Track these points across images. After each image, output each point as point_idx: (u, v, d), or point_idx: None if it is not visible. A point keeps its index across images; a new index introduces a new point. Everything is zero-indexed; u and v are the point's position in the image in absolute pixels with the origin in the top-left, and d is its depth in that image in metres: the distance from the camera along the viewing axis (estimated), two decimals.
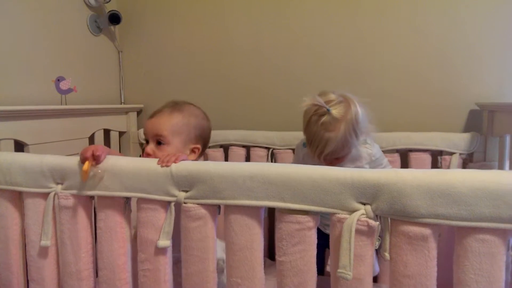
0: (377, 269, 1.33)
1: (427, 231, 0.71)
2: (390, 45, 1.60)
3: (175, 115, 1.13)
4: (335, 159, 1.19)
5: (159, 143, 1.10)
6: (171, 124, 1.11)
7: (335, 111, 1.12)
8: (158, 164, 0.90)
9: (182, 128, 1.12)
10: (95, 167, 0.91)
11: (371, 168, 1.09)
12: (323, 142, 1.13)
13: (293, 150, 1.63)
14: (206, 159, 1.70)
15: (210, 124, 1.22)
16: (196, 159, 1.15)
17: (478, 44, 1.51)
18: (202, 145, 1.17)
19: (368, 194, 0.75)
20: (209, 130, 1.21)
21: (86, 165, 0.89)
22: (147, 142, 1.13)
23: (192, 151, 1.14)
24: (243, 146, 1.72)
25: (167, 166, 0.88)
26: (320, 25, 1.68)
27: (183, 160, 0.91)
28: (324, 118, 1.13)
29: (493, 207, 0.67)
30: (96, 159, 0.91)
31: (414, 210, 0.71)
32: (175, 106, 1.16)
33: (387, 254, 0.76)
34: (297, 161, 1.40)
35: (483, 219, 0.68)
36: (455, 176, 0.69)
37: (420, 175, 0.71)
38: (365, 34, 1.62)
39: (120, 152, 1.85)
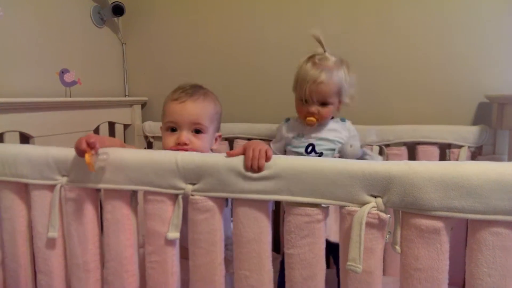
0: None
1: (439, 224, 0.70)
2: (397, 37, 1.58)
3: (208, 102, 1.08)
4: (321, 105, 1.21)
5: (197, 131, 1.05)
6: (208, 112, 1.07)
7: (332, 57, 1.22)
8: (247, 163, 0.81)
9: (215, 116, 1.10)
10: (97, 155, 0.90)
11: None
12: (318, 77, 1.17)
13: None
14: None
15: None
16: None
17: (487, 36, 1.49)
18: (219, 131, 1.17)
19: (379, 186, 0.73)
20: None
21: (87, 156, 0.87)
22: (173, 129, 1.06)
23: (215, 139, 1.13)
24: (248, 139, 1.70)
25: (259, 168, 0.80)
26: (324, 17, 1.65)
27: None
28: (321, 57, 1.21)
29: (508, 200, 0.66)
30: (92, 147, 0.88)
31: (426, 203, 0.70)
32: (206, 92, 1.11)
33: (398, 247, 0.75)
34: (278, 139, 1.40)
35: (498, 212, 0.67)
36: (469, 168, 0.68)
37: (432, 167, 0.70)
38: (372, 27, 1.60)
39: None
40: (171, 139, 1.05)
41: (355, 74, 1.26)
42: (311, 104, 1.21)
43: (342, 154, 1.22)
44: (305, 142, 1.27)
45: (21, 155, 0.99)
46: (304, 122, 1.25)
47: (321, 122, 1.25)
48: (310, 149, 1.25)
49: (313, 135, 1.27)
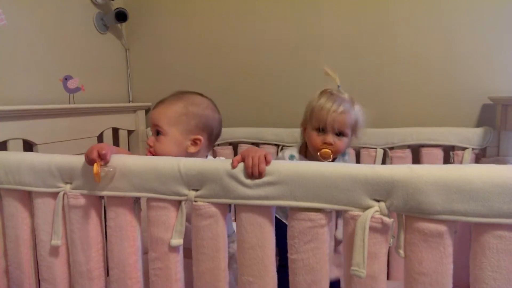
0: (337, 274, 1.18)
1: (443, 228, 0.70)
2: (400, 39, 1.58)
3: (174, 104, 1.09)
4: (337, 136, 1.20)
5: (158, 133, 1.07)
6: (168, 114, 1.07)
7: (345, 93, 1.23)
8: (248, 172, 0.81)
9: (180, 118, 1.07)
10: (105, 166, 0.90)
11: None
12: (340, 106, 1.17)
13: None
14: (215, 156, 1.68)
15: (218, 116, 1.15)
16: (198, 151, 1.09)
17: (491, 37, 1.48)
18: (206, 136, 1.10)
19: (382, 190, 0.73)
20: (216, 121, 1.13)
21: (96, 167, 0.88)
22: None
23: (194, 142, 1.08)
24: (252, 143, 1.71)
25: (260, 174, 0.80)
26: (329, 19, 1.66)
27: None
28: (336, 90, 1.22)
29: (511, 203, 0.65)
30: (103, 158, 0.89)
31: (429, 206, 0.69)
32: (177, 95, 1.12)
33: (401, 252, 0.74)
34: None
35: (501, 215, 0.66)
36: (472, 172, 0.68)
37: (435, 171, 0.70)
38: (376, 29, 1.60)
39: (128, 151, 1.85)
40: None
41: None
42: (328, 134, 1.19)
43: None
44: None
45: (25, 163, 1.00)
46: (318, 155, 1.20)
47: (334, 156, 1.23)
48: None
49: None
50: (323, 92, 1.23)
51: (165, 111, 1.08)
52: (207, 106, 1.13)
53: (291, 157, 1.30)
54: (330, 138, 1.19)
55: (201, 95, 1.16)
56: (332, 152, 1.19)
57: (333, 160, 1.24)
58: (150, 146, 1.08)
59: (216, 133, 1.15)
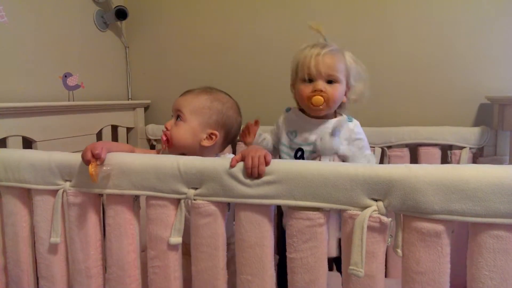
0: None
1: (440, 227, 0.70)
2: (398, 39, 1.58)
3: (200, 96, 1.11)
4: (328, 83, 1.09)
5: (177, 119, 1.09)
6: (192, 103, 1.09)
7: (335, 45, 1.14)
8: (248, 172, 0.82)
9: (203, 110, 1.09)
10: (101, 166, 0.90)
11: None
12: (322, 50, 1.09)
13: None
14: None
15: (239, 118, 1.16)
16: (211, 147, 1.09)
17: (488, 38, 1.49)
18: (223, 134, 1.11)
19: (380, 190, 0.74)
20: (236, 123, 1.14)
21: (91, 167, 0.88)
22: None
23: (209, 136, 1.09)
24: None
25: (259, 175, 0.81)
26: (328, 19, 1.66)
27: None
28: (322, 42, 1.14)
29: (508, 203, 0.66)
30: (97, 158, 0.89)
31: (427, 206, 0.70)
32: (206, 89, 1.15)
33: (399, 251, 0.75)
34: (274, 131, 1.30)
35: (498, 215, 0.67)
36: (469, 172, 0.68)
37: (433, 171, 0.70)
38: (374, 28, 1.60)
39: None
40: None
41: (365, 67, 1.18)
42: (317, 81, 1.08)
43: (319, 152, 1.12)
44: (295, 145, 1.16)
45: (24, 160, 1.00)
46: (309, 107, 1.10)
47: (329, 106, 1.10)
48: (299, 155, 1.15)
49: (307, 135, 1.15)
50: (306, 46, 1.14)
51: (191, 100, 1.10)
52: (231, 107, 1.15)
53: (287, 110, 1.24)
54: (320, 84, 1.08)
55: (229, 95, 1.18)
56: (324, 99, 1.07)
57: (335, 116, 1.16)
58: (167, 129, 1.08)
59: (234, 134, 1.16)
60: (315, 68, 1.08)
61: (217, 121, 1.10)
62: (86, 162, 0.90)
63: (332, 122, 1.14)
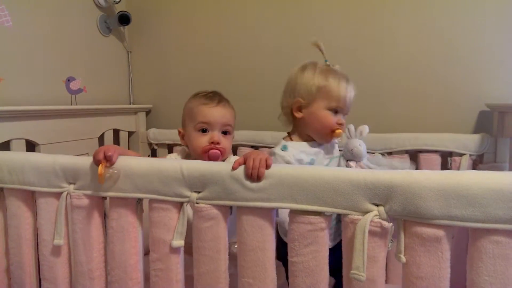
0: None
1: (440, 232, 0.71)
2: (399, 45, 1.60)
3: (231, 107, 1.18)
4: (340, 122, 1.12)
5: (224, 132, 1.13)
6: (233, 115, 1.18)
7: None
8: (247, 172, 0.83)
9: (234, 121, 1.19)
10: (110, 168, 0.91)
11: None
12: (349, 85, 1.12)
13: None
14: None
15: None
16: None
17: (488, 45, 1.50)
18: None
19: (381, 195, 0.75)
20: None
21: (100, 168, 0.89)
22: (204, 130, 1.12)
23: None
24: (252, 147, 1.72)
25: (259, 177, 0.82)
26: (327, 24, 1.67)
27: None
28: (333, 65, 1.16)
29: (508, 209, 0.67)
30: (108, 160, 0.91)
31: (427, 211, 0.70)
32: (225, 99, 1.20)
33: (402, 256, 0.75)
34: None
35: (498, 221, 0.67)
36: (469, 178, 0.69)
37: (433, 177, 0.71)
38: (374, 34, 1.62)
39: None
40: (203, 139, 1.12)
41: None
42: (340, 114, 1.14)
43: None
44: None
45: (28, 163, 1.01)
46: (329, 136, 1.13)
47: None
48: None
49: (328, 156, 1.18)
50: (326, 70, 1.14)
51: (232, 112, 1.18)
52: None
53: (285, 148, 1.14)
54: (342, 118, 1.14)
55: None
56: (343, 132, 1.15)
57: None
58: (218, 143, 1.11)
59: None
60: (347, 105, 1.13)
61: None
62: (97, 162, 0.91)
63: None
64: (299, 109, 1.15)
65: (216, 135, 1.11)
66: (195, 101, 1.17)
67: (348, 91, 1.12)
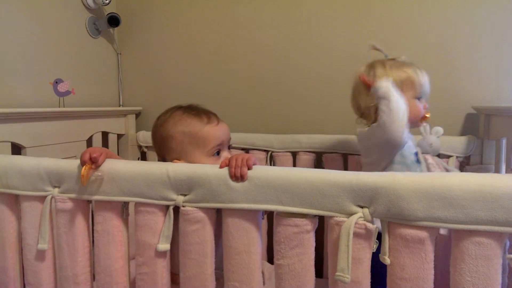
0: None
1: (424, 234, 0.72)
2: (387, 47, 1.60)
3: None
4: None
5: (228, 148, 1.11)
6: None
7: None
8: (231, 171, 0.83)
9: None
10: (95, 170, 0.91)
11: None
12: (418, 69, 1.20)
13: (292, 153, 1.63)
14: None
15: None
16: None
17: (475, 48, 1.52)
18: None
19: (366, 197, 0.75)
20: None
21: (84, 169, 0.89)
22: (218, 153, 1.06)
23: None
24: (242, 149, 1.72)
25: (242, 177, 0.82)
26: (320, 27, 1.68)
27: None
28: (403, 59, 1.25)
29: (489, 210, 0.67)
30: (94, 162, 0.90)
31: (411, 213, 0.71)
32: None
33: (387, 258, 0.75)
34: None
35: (479, 222, 0.68)
36: (451, 180, 0.70)
37: (417, 179, 0.72)
38: (365, 36, 1.63)
39: (118, 155, 1.85)
40: (217, 163, 0.91)
41: None
42: (424, 99, 1.23)
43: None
44: (411, 150, 1.20)
45: (13, 166, 1.00)
46: (419, 121, 1.23)
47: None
48: (416, 159, 1.21)
49: (411, 142, 1.21)
50: (397, 63, 1.23)
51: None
52: None
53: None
54: (424, 102, 1.23)
55: None
56: None
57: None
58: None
59: None
60: (426, 87, 1.22)
61: None
62: (82, 163, 0.91)
63: None
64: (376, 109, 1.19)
65: (228, 154, 1.07)
66: (193, 124, 1.05)
67: (426, 76, 1.21)
